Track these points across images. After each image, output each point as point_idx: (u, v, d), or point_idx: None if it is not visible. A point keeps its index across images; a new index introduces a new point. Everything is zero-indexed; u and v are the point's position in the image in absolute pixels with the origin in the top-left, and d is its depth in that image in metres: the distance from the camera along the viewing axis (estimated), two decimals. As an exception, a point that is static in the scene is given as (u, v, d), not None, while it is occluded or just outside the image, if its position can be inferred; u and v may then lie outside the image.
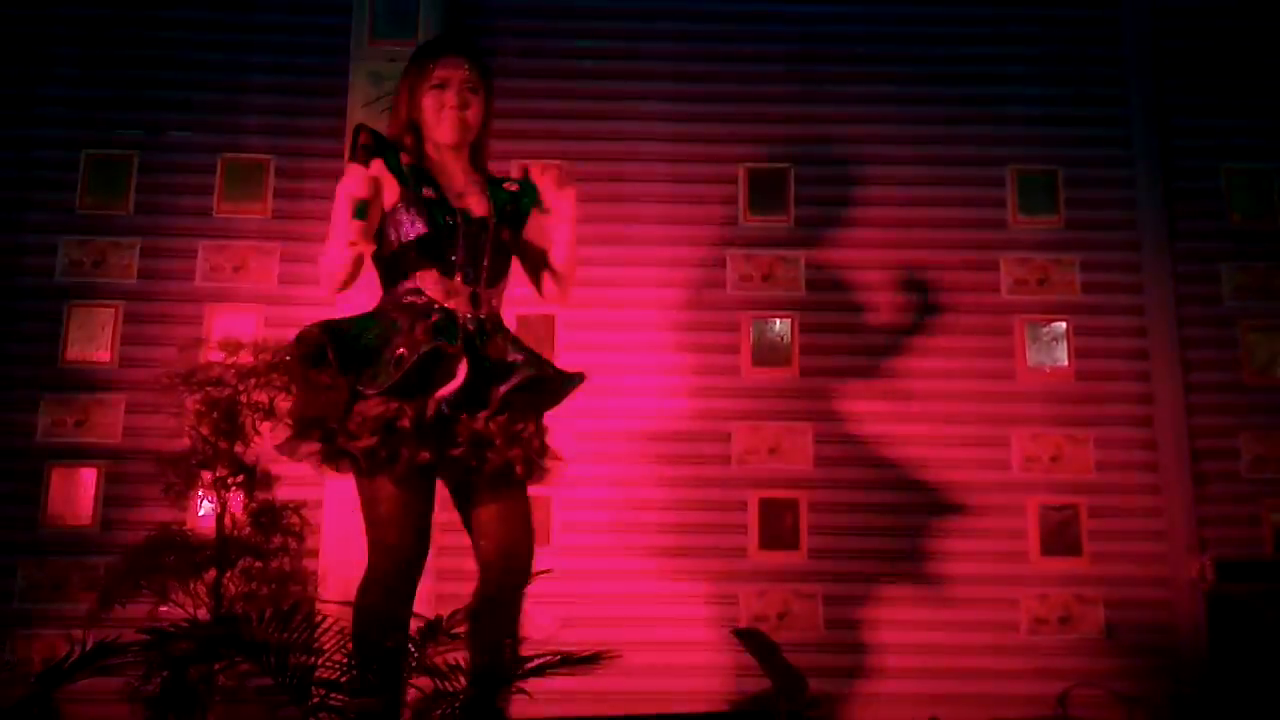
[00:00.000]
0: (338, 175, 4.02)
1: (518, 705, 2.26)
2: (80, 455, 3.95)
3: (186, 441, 3.26)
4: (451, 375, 2.37)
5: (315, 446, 2.34)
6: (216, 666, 2.70)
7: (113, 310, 4.07)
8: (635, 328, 4.11)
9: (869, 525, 3.99)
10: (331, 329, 2.36)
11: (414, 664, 2.15)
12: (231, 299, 4.09)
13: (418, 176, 2.47)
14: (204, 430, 3.17)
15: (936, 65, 4.37)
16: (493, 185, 2.58)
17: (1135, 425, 4.09)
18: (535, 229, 2.61)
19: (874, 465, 4.03)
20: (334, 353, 2.31)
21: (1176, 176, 4.27)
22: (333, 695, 2.11)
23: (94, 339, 4.05)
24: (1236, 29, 4.40)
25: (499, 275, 2.53)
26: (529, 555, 2.46)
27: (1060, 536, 4.00)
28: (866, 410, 4.08)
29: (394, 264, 2.46)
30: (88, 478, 3.94)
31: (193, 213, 4.17)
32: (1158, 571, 3.97)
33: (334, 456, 2.34)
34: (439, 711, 2.11)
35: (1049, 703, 3.80)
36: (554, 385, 2.48)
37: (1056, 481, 4.05)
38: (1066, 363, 4.14)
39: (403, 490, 2.33)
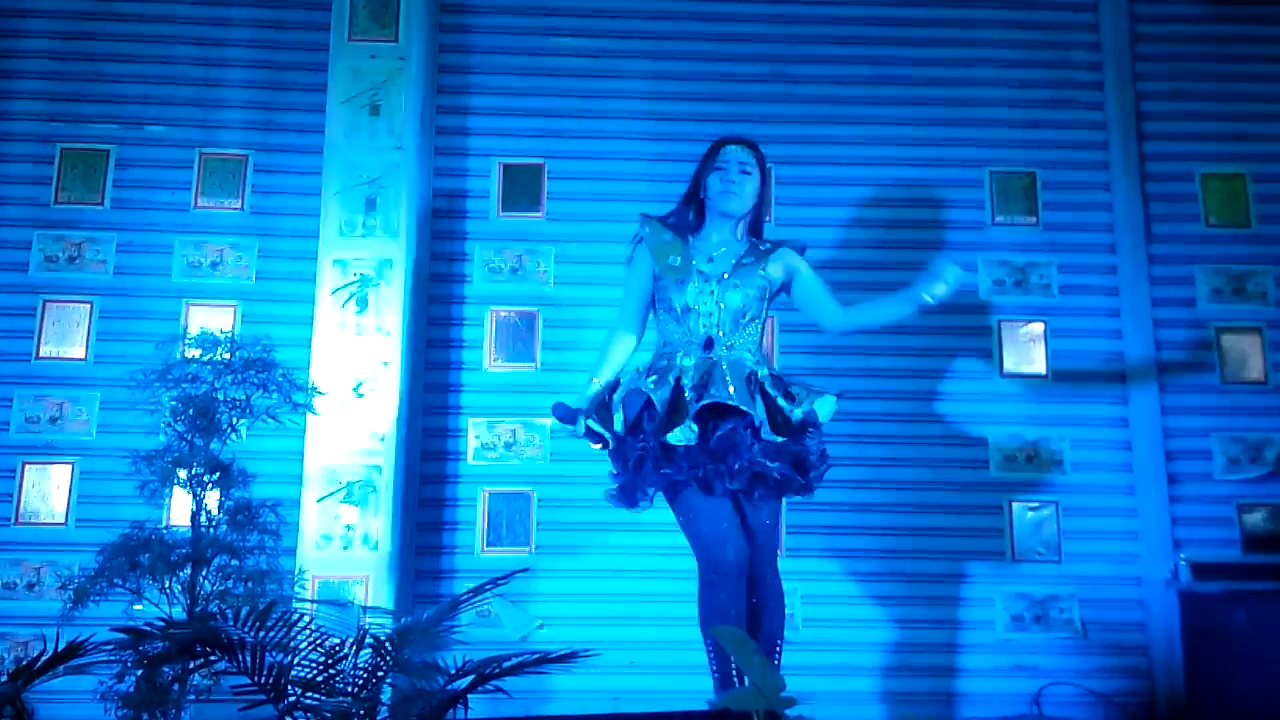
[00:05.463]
0: (315, 171, 4.06)
1: (496, 704, 2.26)
2: (54, 452, 3.93)
3: (162, 438, 3.23)
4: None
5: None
6: (191, 665, 2.68)
7: (88, 306, 4.04)
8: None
9: (846, 524, 4.01)
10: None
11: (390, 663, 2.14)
12: (208, 295, 4.07)
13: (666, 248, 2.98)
14: (180, 427, 3.14)
15: (916, 67, 4.39)
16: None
17: (1110, 426, 4.13)
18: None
19: (851, 464, 4.04)
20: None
21: (1152, 180, 4.31)
22: (308, 693, 2.11)
23: (69, 335, 4.01)
24: (1213, 35, 4.44)
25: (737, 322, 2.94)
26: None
27: (1036, 535, 4.03)
28: (844, 410, 4.08)
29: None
30: (62, 475, 3.91)
31: (170, 208, 4.14)
32: (1132, 571, 4.01)
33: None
34: (418, 709, 2.10)
35: (1025, 700, 3.83)
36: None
37: (1032, 481, 4.08)
38: (1043, 364, 4.17)
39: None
